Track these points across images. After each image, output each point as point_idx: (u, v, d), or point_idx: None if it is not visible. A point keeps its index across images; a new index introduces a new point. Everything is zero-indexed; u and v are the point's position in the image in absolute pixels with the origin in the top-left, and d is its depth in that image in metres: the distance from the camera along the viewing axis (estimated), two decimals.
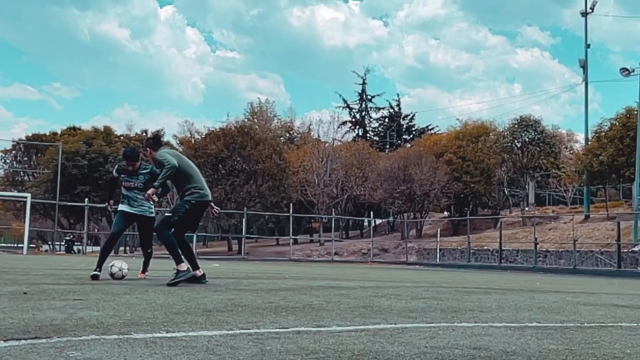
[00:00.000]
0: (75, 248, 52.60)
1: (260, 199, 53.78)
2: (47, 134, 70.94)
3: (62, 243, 56.16)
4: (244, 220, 46.37)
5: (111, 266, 10.69)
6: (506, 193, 63.14)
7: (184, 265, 9.59)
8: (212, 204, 10.42)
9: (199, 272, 9.95)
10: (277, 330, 4.60)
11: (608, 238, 37.52)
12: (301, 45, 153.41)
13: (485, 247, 44.07)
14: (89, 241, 48.47)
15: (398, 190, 53.65)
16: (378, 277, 17.25)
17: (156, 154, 9.96)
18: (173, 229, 9.95)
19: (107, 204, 11.51)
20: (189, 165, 10.03)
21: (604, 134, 46.68)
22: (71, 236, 54.52)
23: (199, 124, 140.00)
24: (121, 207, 10.85)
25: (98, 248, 52.80)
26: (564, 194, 61.06)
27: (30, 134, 73.02)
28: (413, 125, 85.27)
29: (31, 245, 49.16)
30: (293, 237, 52.23)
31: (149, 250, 11.63)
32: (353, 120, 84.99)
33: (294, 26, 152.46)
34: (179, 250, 9.78)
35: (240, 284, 10.44)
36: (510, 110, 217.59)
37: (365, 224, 66.40)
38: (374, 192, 56.23)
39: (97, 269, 10.61)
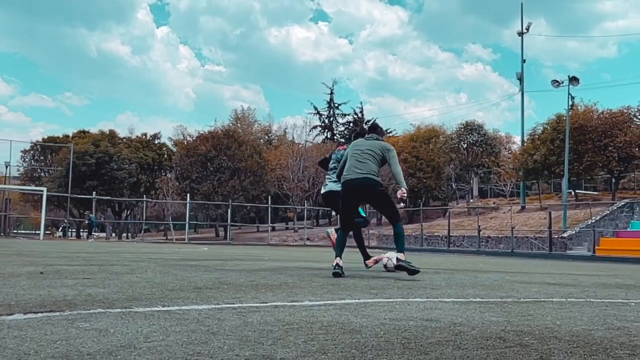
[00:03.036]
0: (84, 234, 52.29)
1: (243, 192, 53.82)
2: (60, 136, 70.95)
3: (60, 229, 55.73)
4: (229, 210, 46.30)
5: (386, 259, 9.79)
6: (454, 187, 63.44)
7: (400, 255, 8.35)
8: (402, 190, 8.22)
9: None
10: (257, 304, 4.59)
11: (541, 226, 37.81)
12: (278, 60, 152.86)
13: (436, 234, 44.24)
14: (96, 228, 48.06)
15: None
16: (344, 259, 17.21)
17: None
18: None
19: None
20: (347, 155, 8.63)
21: (537, 136, 47.14)
22: (65, 222, 54.18)
23: (191, 128, 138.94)
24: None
25: (104, 234, 52.63)
26: (504, 188, 61.41)
27: (45, 137, 72.81)
28: None
29: (47, 232, 48.79)
30: (271, 225, 52.27)
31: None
32: (322, 124, 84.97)
33: (272, 44, 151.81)
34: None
35: (226, 265, 10.39)
36: (457, 116, 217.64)
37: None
38: None
39: (366, 260, 10.48)
